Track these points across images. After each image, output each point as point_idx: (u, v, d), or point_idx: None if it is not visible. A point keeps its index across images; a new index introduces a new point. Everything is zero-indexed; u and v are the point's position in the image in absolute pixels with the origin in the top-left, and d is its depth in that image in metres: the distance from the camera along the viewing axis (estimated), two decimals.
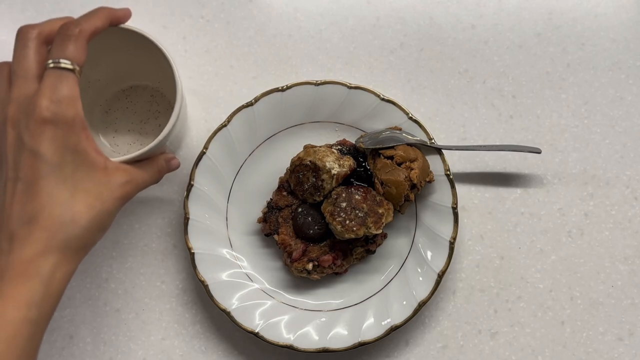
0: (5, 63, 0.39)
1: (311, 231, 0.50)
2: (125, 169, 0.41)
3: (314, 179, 0.49)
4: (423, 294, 0.50)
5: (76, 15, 0.54)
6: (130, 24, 0.46)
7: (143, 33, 0.45)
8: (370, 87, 0.52)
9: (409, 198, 0.50)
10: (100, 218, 0.39)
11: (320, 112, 0.53)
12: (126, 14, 0.43)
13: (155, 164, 0.45)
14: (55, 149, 0.36)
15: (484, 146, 0.53)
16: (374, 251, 0.52)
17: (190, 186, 0.51)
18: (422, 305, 0.50)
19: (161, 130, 0.44)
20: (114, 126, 0.54)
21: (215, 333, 0.53)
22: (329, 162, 0.49)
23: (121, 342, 0.53)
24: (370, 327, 0.50)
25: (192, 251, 0.51)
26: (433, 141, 0.52)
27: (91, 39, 0.39)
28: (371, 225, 0.48)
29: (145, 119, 0.54)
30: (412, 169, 0.49)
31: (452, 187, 0.51)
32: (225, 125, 0.52)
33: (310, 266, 0.50)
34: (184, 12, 0.57)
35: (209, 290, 0.50)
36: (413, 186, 0.50)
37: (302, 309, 0.52)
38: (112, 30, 0.45)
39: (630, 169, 0.55)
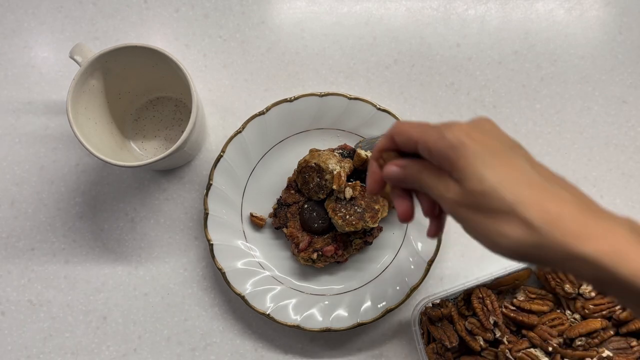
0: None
1: (316, 225, 0.51)
2: None
3: (318, 179, 0.50)
4: (414, 280, 0.51)
5: (109, 36, 0.56)
6: (157, 43, 0.48)
7: (166, 53, 0.46)
8: (368, 98, 0.53)
9: None
10: None
11: (324, 120, 0.53)
12: None
13: None
14: None
15: None
16: (371, 242, 0.52)
17: (209, 185, 0.51)
18: (413, 290, 0.50)
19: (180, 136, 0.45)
20: (143, 132, 0.55)
21: (232, 315, 0.53)
22: (332, 164, 0.50)
23: (148, 323, 0.53)
24: (368, 309, 0.50)
25: (211, 242, 0.51)
26: None
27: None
28: (368, 219, 0.49)
29: (170, 126, 0.55)
30: None
31: None
32: (240, 132, 0.52)
33: (315, 256, 0.51)
34: (204, 33, 0.57)
35: (225, 277, 0.50)
36: None
37: (307, 293, 0.52)
38: (141, 49, 0.46)
39: (597, 170, 0.55)
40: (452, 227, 0.53)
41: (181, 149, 0.46)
